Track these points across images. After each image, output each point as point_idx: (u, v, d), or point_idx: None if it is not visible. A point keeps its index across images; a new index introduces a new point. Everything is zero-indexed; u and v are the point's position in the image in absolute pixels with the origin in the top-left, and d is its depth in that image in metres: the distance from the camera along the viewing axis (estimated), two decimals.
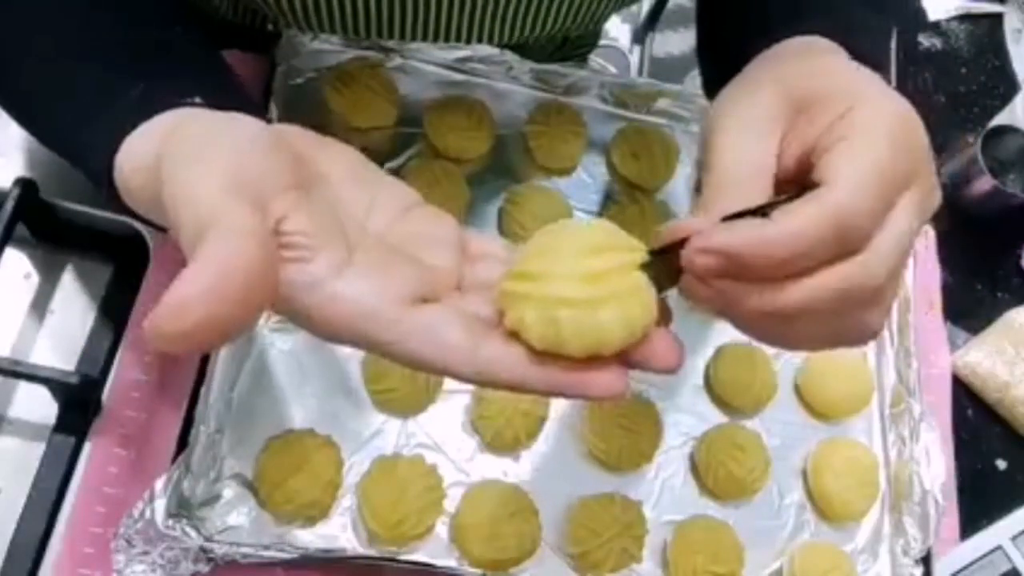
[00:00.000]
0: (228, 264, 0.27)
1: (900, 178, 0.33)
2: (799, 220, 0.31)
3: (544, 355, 0.31)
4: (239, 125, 0.33)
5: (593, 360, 0.31)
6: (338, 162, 0.35)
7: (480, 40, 0.66)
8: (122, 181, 0.38)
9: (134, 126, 0.38)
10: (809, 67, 0.40)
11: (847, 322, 0.34)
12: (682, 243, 0.33)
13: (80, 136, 0.41)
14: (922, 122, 0.36)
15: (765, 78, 0.39)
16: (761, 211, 0.33)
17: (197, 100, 0.39)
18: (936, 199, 0.36)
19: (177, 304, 0.26)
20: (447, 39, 0.66)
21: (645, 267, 0.32)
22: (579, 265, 0.31)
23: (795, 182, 0.35)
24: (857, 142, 0.33)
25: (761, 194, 0.35)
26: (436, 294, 0.33)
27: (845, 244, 0.32)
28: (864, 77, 0.38)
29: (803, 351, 0.39)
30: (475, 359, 0.31)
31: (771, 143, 0.36)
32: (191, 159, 0.31)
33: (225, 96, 0.39)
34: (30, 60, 0.45)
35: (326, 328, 0.31)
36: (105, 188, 0.40)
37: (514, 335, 0.32)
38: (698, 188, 0.38)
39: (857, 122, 0.34)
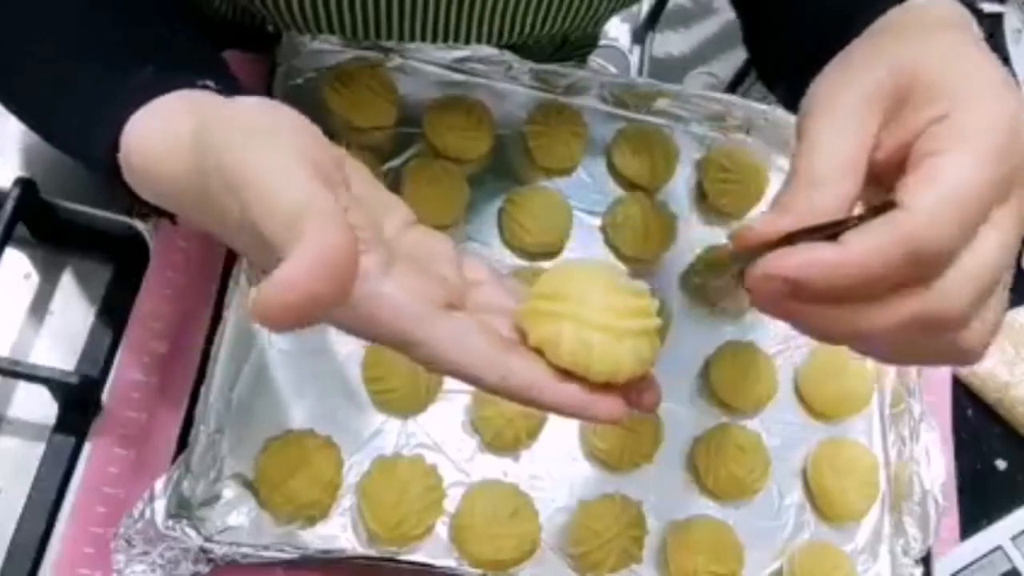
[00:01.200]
0: (329, 246, 0.28)
1: (993, 195, 0.31)
2: (867, 247, 0.30)
3: (564, 374, 0.33)
4: (288, 112, 0.34)
5: (604, 386, 0.34)
6: (356, 169, 0.36)
7: (479, 40, 0.66)
8: (133, 160, 0.39)
9: (142, 103, 0.38)
10: (923, 46, 0.36)
11: (935, 344, 0.33)
12: (757, 247, 0.33)
13: (87, 115, 0.41)
14: None
15: (868, 58, 0.36)
16: (832, 228, 0.32)
17: (210, 84, 0.39)
18: None
19: (286, 281, 0.28)
20: (446, 39, 0.66)
21: (659, 313, 0.35)
22: (608, 298, 0.34)
23: (886, 179, 0.34)
24: (946, 163, 0.31)
25: (847, 197, 0.33)
26: (457, 305, 0.34)
27: (919, 271, 0.31)
28: (979, 65, 0.35)
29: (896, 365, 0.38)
30: (502, 368, 0.33)
31: (865, 137, 0.34)
32: (261, 143, 0.31)
33: (231, 88, 0.39)
34: (31, 57, 0.45)
35: (368, 322, 0.32)
36: (107, 168, 0.40)
37: (538, 351, 0.34)
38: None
39: (954, 133, 0.32)
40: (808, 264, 0.31)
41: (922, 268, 0.31)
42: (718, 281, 0.66)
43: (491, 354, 0.32)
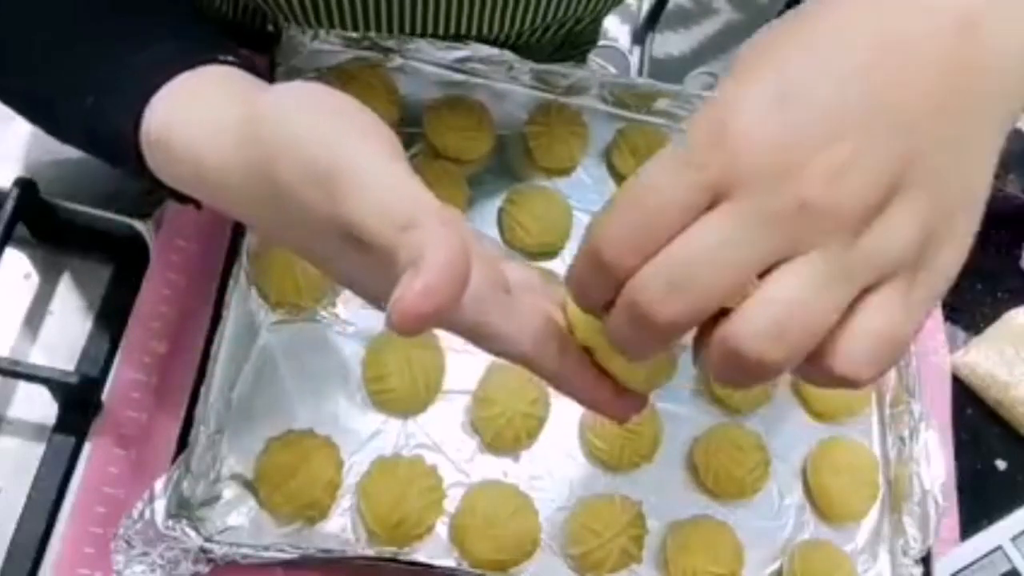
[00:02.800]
0: (456, 253, 0.29)
1: (676, 192, 0.27)
2: (577, 254, 0.30)
3: (603, 374, 0.35)
4: (353, 101, 0.34)
5: (628, 389, 0.35)
6: None
7: (481, 33, 0.66)
8: (173, 144, 0.38)
9: (165, 80, 0.38)
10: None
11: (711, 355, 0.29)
12: None
13: (103, 93, 0.40)
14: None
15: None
16: None
17: (231, 59, 0.39)
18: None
19: (424, 290, 0.28)
20: (447, 32, 0.65)
21: None
22: None
23: None
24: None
25: None
26: (505, 283, 0.35)
27: (610, 277, 0.29)
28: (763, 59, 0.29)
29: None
30: (560, 359, 0.34)
31: None
32: (355, 137, 0.32)
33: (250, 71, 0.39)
34: (38, 37, 0.44)
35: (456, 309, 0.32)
36: (123, 151, 0.39)
37: (586, 348, 0.34)
38: None
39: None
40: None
41: (611, 275, 0.28)
42: None
43: (554, 345, 0.34)
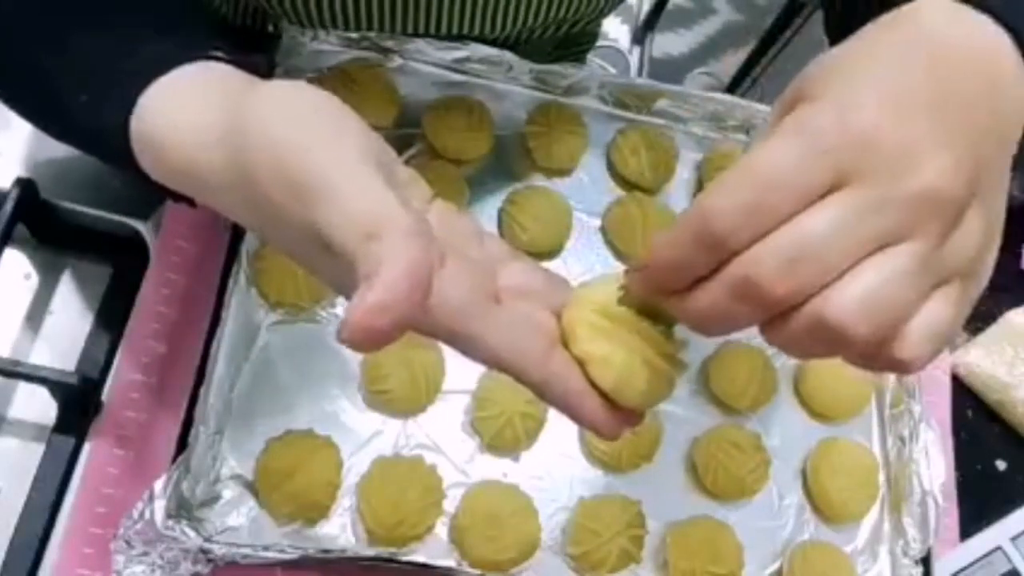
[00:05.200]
0: (415, 264, 0.28)
1: (799, 175, 0.29)
2: (667, 238, 0.30)
3: (594, 387, 0.34)
4: (335, 102, 0.33)
5: (621, 405, 0.34)
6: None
7: (481, 31, 0.66)
8: (150, 140, 0.38)
9: (154, 77, 0.38)
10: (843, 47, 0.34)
11: (800, 319, 0.30)
12: None
13: (97, 91, 0.40)
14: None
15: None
16: None
17: (221, 55, 0.39)
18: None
19: (376, 306, 0.27)
20: (448, 31, 0.65)
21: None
22: (660, 329, 0.34)
23: None
24: (753, 147, 0.31)
25: None
26: (497, 292, 0.34)
27: (718, 253, 0.29)
28: (860, 66, 0.31)
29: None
30: (546, 368, 0.33)
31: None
32: (326, 141, 0.31)
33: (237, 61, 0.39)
34: (33, 34, 0.43)
35: (424, 319, 0.31)
36: (119, 150, 0.39)
37: (579, 360, 0.34)
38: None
39: (785, 124, 0.31)
40: (650, 252, 0.32)
41: (718, 248, 0.29)
42: None
43: (539, 354, 0.33)
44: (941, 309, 0.30)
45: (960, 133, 0.30)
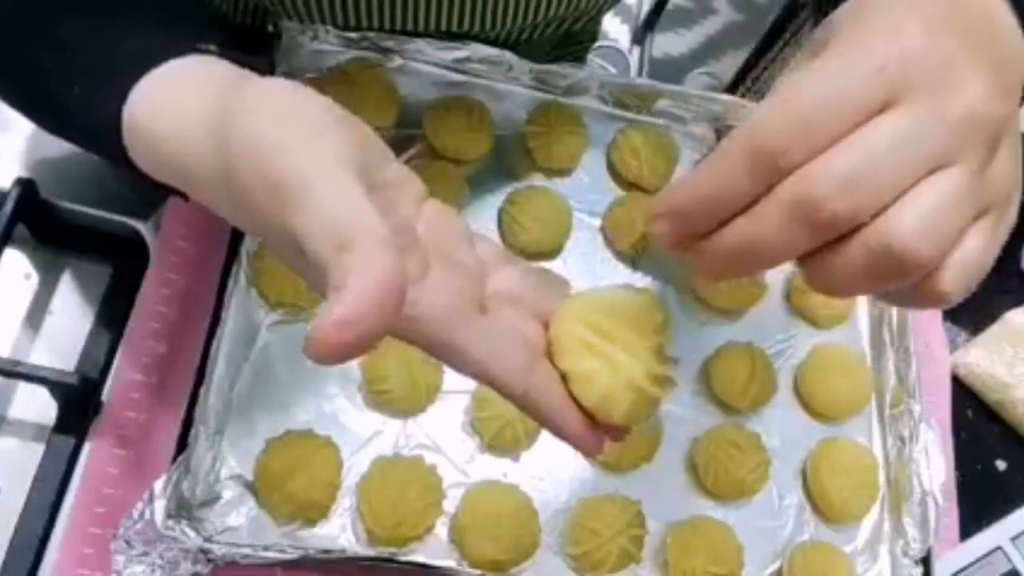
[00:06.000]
0: (384, 278, 0.27)
1: (844, 101, 0.29)
2: (712, 160, 0.30)
3: (576, 402, 0.33)
4: (321, 102, 0.33)
5: (602, 422, 0.34)
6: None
7: (481, 29, 0.66)
8: (142, 131, 0.37)
9: (145, 71, 0.37)
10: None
11: (861, 242, 0.30)
12: None
13: (89, 85, 0.40)
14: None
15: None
16: None
17: (213, 48, 0.39)
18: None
19: (340, 322, 0.27)
20: (448, 29, 0.65)
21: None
22: (648, 349, 0.34)
23: None
24: (793, 75, 0.31)
25: None
26: (483, 301, 0.34)
27: (769, 174, 0.29)
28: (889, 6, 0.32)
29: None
30: (527, 380, 0.33)
31: None
32: (306, 144, 0.30)
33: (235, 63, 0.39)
34: (28, 28, 0.43)
35: (405, 328, 0.31)
36: (112, 145, 0.39)
37: (563, 375, 0.33)
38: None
39: (825, 49, 0.31)
40: (674, 193, 0.31)
41: (768, 169, 0.29)
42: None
43: (521, 367, 0.33)
44: (980, 241, 0.30)
45: (988, 64, 0.30)
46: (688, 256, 0.32)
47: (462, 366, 0.32)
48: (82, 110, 0.41)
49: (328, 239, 0.28)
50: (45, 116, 0.47)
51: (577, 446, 0.34)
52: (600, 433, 0.34)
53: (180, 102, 0.36)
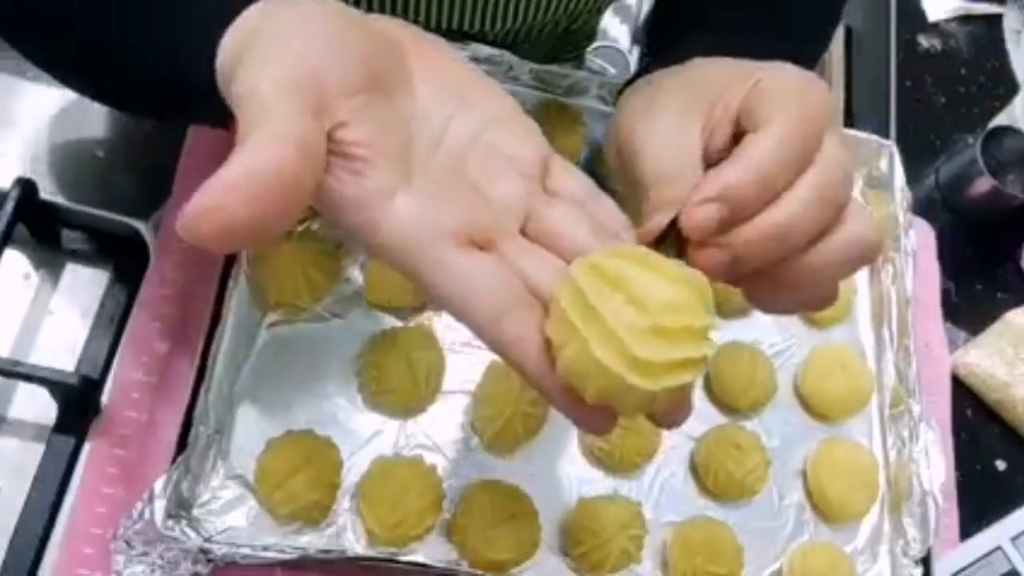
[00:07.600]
0: (261, 168, 0.26)
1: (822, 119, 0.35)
2: (764, 141, 0.33)
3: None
4: (323, 16, 0.32)
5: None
6: (429, 60, 0.34)
7: (481, 27, 0.66)
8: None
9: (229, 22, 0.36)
10: (714, 67, 0.41)
11: (841, 237, 0.35)
12: (672, 226, 0.35)
13: (175, 46, 0.38)
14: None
15: (677, 76, 0.43)
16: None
17: None
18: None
19: (208, 205, 0.26)
20: (447, 27, 0.65)
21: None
22: (662, 309, 0.29)
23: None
24: (779, 89, 0.35)
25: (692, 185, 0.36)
26: (491, 236, 0.32)
27: (796, 165, 0.34)
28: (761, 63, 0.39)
29: (824, 289, 0.37)
30: (496, 331, 0.31)
31: (695, 134, 0.38)
32: (261, 56, 0.30)
33: None
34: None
35: (373, 252, 0.30)
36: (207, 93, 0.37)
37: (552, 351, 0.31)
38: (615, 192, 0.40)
39: (769, 79, 0.36)
40: (733, 170, 0.34)
41: (797, 164, 0.34)
42: None
43: (489, 314, 0.30)
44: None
45: None
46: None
47: (432, 300, 0.32)
48: (170, 74, 0.38)
49: (242, 133, 0.28)
50: (118, 87, 0.44)
51: (578, 421, 0.32)
52: (583, 407, 0.31)
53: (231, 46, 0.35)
